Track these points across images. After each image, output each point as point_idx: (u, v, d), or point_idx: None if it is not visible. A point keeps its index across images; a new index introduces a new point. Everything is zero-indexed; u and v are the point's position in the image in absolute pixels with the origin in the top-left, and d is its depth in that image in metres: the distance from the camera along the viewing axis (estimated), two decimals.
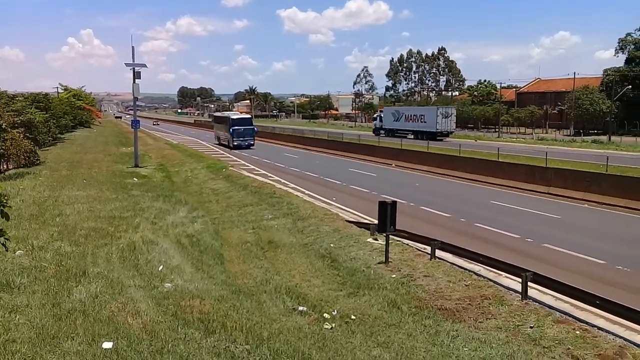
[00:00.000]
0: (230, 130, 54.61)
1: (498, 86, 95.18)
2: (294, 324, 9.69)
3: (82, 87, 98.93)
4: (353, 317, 10.23)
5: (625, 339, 9.09)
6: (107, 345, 7.61)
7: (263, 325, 9.18)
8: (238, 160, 42.42)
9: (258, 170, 35.23)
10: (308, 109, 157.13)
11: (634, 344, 8.90)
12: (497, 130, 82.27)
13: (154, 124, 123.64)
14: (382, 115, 78.40)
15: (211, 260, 14.50)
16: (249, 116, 64.75)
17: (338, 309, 10.68)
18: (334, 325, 9.80)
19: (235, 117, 58.51)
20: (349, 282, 12.53)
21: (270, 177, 31.93)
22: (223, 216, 21.70)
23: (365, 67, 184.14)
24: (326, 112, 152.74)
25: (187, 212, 20.45)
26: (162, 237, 15.41)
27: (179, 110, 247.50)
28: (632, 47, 73.83)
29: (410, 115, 69.86)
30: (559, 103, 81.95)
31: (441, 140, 61.64)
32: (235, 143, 53.86)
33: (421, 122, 67.75)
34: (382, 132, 72.14)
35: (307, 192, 26.03)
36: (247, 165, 38.43)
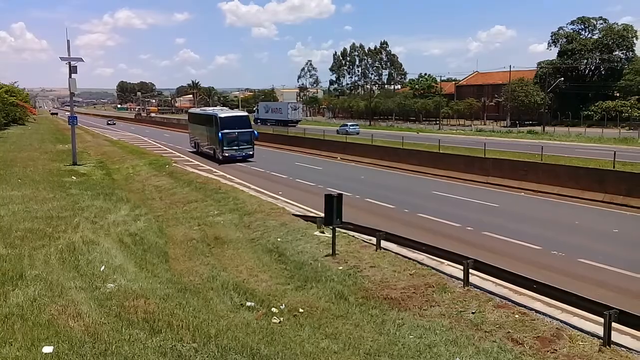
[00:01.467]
0: (219, 135, 36.67)
1: (438, 79, 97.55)
2: (242, 319, 9.66)
3: (15, 82, 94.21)
4: (301, 310, 10.29)
5: (561, 321, 9.54)
6: (48, 349, 7.36)
7: (210, 323, 9.10)
8: (182, 156, 41.70)
9: (203, 166, 34.76)
10: (253, 103, 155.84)
11: (570, 325, 9.36)
12: (437, 122, 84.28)
13: (108, 123, 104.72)
14: (258, 108, 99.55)
15: (155, 259, 14.22)
16: (245, 114, 42.53)
17: (286, 302, 10.73)
18: (282, 319, 9.84)
19: (224, 115, 38.92)
20: (296, 276, 12.59)
21: (216, 172, 31.56)
22: (167, 213, 21.29)
23: (309, 61, 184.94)
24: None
25: (129, 210, 19.95)
26: (103, 237, 14.98)
27: (119, 106, 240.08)
28: (564, 40, 77.06)
29: (273, 108, 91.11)
30: (496, 95, 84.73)
31: (293, 126, 77.24)
32: (227, 154, 36.75)
33: (279, 113, 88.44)
34: (258, 121, 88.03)
35: (253, 187, 25.88)
36: (192, 161, 37.85)
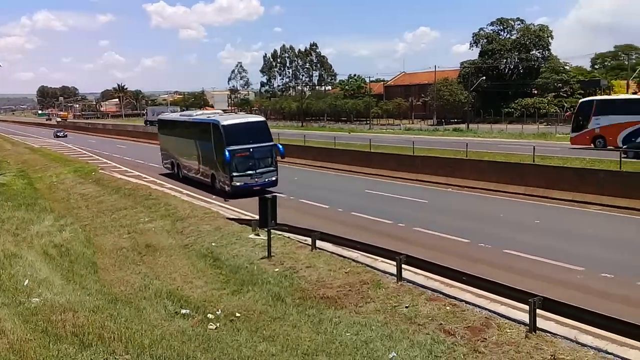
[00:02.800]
0: (225, 154, 23.16)
1: (367, 80, 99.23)
2: (177, 328, 9.45)
3: None
4: (238, 314, 10.20)
5: (490, 311, 9.96)
6: None
7: (144, 333, 8.85)
8: (109, 162, 40.21)
9: (131, 172, 33.67)
10: (182, 107, 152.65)
11: (498, 314, 9.78)
12: (368, 122, 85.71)
13: (58, 135, 78.60)
14: (147, 112, 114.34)
15: (83, 270, 13.68)
16: (262, 119, 28.52)
17: (222, 308, 10.60)
18: (218, 324, 9.71)
19: (231, 122, 25.05)
20: (232, 280, 12.46)
21: (145, 178, 30.68)
22: (94, 222, 20.52)
23: (239, 62, 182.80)
24: (202, 109, 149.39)
25: (53, 220, 19.09)
26: (26, 249, 14.27)
27: (40, 112, 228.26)
28: (485, 41, 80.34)
29: (157, 112, 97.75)
30: (423, 95, 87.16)
31: None
32: (238, 183, 23.47)
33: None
34: (148, 123, 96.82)
35: (185, 191, 25.38)
36: (119, 167, 36.58)
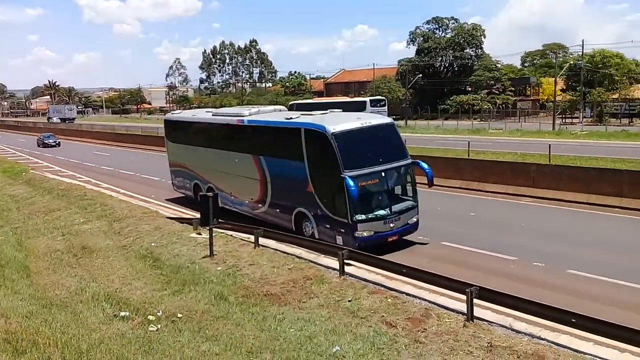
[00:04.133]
0: (347, 182, 13.39)
1: (308, 77, 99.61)
2: (115, 331, 9.19)
3: None
4: (180, 315, 10.02)
5: (429, 301, 10.24)
6: None
7: (81, 337, 8.56)
8: (40, 161, 38.51)
9: (65, 172, 32.41)
10: (118, 104, 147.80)
11: (437, 304, 10.07)
12: None
13: (44, 142, 54.79)
14: (49, 110, 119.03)
15: (15, 274, 13.07)
16: (390, 121, 16.36)
17: (163, 309, 10.38)
18: (160, 326, 9.51)
19: (346, 128, 14.46)
20: (173, 280, 12.22)
21: (80, 178, 29.59)
22: (26, 224, 19.62)
23: (177, 59, 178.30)
24: (138, 106, 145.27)
25: None
26: None
27: None
28: (421, 39, 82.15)
29: (57, 110, 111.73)
30: (362, 92, 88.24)
31: (71, 122, 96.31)
32: (366, 233, 13.95)
33: (61, 112, 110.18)
34: (50, 119, 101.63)
35: (122, 191, 24.67)
36: (52, 167, 35.11)
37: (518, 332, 8.83)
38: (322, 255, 13.03)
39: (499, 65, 77.31)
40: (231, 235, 15.37)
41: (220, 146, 19.13)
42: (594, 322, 8.33)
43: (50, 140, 55.31)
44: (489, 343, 8.31)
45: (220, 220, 13.73)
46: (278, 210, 16.47)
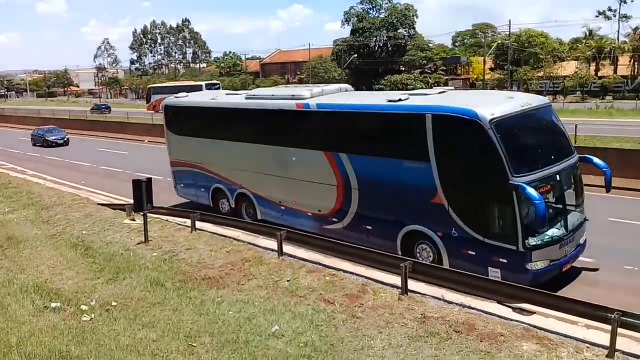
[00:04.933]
0: (525, 191, 9.31)
1: (243, 57, 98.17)
2: (47, 322, 8.89)
3: None
4: (114, 303, 9.78)
5: (366, 277, 10.50)
6: None
7: (10, 331, 8.25)
8: None
9: None
10: (43, 87, 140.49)
11: (374, 280, 10.34)
12: None
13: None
14: None
15: None
16: (546, 100, 12.24)
17: (97, 298, 10.10)
18: (93, 315, 9.26)
19: (505, 113, 10.17)
20: (107, 268, 11.88)
21: (3, 165, 28.11)
22: None
23: (106, 39, 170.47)
24: (65, 89, 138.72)
25: None
26: None
27: None
28: (355, 19, 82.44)
29: None
30: (298, 72, 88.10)
31: None
32: (542, 264, 9.95)
33: None
34: None
35: (50, 177, 23.63)
36: None
37: (450, 302, 9.22)
38: (261, 237, 13.04)
39: (431, 45, 78.80)
40: (167, 220, 15.08)
41: (263, 139, 14.61)
42: (521, 290, 8.83)
43: None
44: (422, 314, 8.63)
45: (154, 205, 13.40)
46: (370, 226, 12.30)
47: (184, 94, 18.25)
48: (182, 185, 17.64)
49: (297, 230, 12.55)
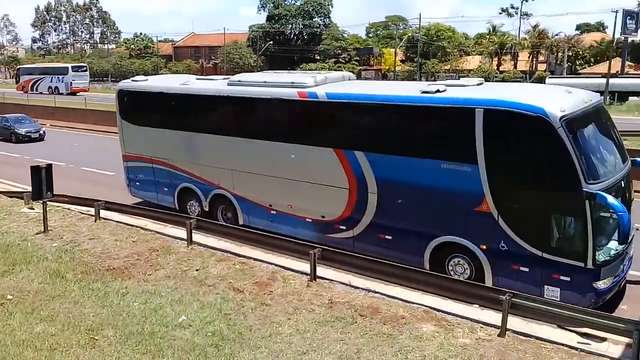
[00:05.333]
0: (615, 210, 8.30)
1: (155, 39, 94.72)
2: None
3: None
4: (10, 297, 9.25)
5: (276, 265, 10.58)
6: None
7: None
8: None
9: None
10: None
11: (284, 267, 10.45)
12: None
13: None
14: None
15: None
16: (597, 96, 10.60)
17: None
18: None
19: (573, 111, 8.88)
20: (1, 260, 11.17)
21: None
22: None
23: (5, 15, 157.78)
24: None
25: None
26: None
27: None
28: (271, 5, 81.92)
29: None
30: (213, 57, 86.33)
31: None
32: (606, 283, 8.81)
33: None
34: None
35: None
36: None
37: (356, 287, 9.51)
38: (170, 225, 12.77)
39: (345, 35, 79.97)
40: (69, 209, 14.39)
41: (252, 133, 12.66)
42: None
43: None
44: (329, 300, 8.86)
45: (55, 193, 12.73)
46: (389, 236, 10.77)
47: (143, 77, 16.43)
48: (137, 183, 15.40)
49: (294, 239, 11.07)
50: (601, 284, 8.68)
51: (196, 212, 13.99)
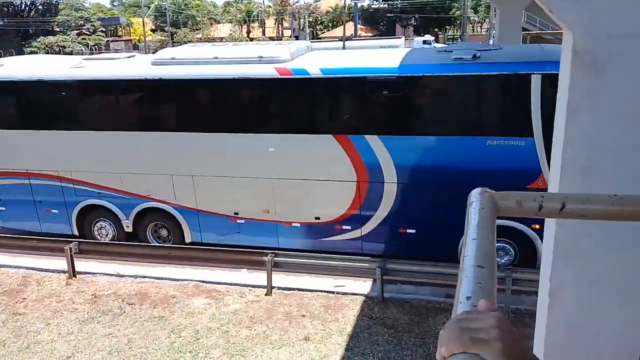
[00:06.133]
0: None
1: None
2: None
3: None
4: None
5: (29, 268, 9.59)
6: None
7: None
8: None
9: None
10: None
11: (38, 269, 9.53)
12: None
13: None
14: None
15: None
16: None
17: None
18: None
19: None
20: None
21: None
22: None
23: None
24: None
25: None
26: None
27: None
28: None
29: None
30: None
31: None
32: None
33: None
34: None
35: None
36: None
37: (124, 276, 9.16)
38: None
39: (86, 5, 73.65)
40: None
41: (205, 125, 9.60)
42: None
43: None
44: (93, 294, 8.42)
45: None
46: (413, 230, 9.18)
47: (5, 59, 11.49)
48: (8, 209, 10.89)
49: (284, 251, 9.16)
50: None
51: (110, 234, 10.57)
